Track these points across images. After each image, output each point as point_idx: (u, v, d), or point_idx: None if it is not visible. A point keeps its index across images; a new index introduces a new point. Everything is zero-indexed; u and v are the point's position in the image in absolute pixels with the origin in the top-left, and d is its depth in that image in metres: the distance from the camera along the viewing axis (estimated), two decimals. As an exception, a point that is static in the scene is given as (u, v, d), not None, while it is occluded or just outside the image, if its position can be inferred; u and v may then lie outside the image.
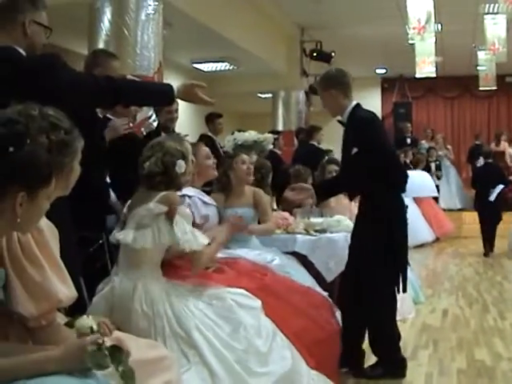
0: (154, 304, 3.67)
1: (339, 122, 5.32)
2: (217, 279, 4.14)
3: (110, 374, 2.34)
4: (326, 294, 5.25)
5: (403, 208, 5.31)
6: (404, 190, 5.27)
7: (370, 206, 5.12)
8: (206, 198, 5.13)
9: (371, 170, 4.96)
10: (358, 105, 5.22)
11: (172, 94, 3.87)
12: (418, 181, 14.10)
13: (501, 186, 14.21)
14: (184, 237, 3.76)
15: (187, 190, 4.74)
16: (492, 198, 14.18)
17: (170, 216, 3.78)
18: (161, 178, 3.94)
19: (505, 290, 9.49)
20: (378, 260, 4.99)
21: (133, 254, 3.83)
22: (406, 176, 5.31)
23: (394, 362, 5.18)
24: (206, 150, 5.25)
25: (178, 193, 4.07)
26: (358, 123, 5.12)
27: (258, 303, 4.04)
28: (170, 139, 4.18)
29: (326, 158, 9.76)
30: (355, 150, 5.02)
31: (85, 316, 2.50)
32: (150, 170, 3.96)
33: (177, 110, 6.96)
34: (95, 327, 2.45)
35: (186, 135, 5.07)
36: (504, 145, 18.95)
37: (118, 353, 2.34)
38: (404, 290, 5.22)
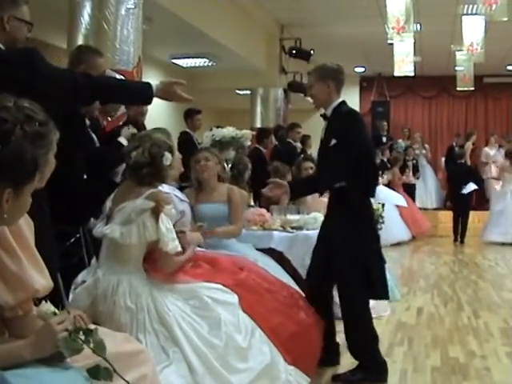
0: (137, 299, 3.67)
1: (322, 115, 5.30)
2: (193, 274, 4.14)
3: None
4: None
5: (370, 207, 5.33)
6: (373, 193, 5.28)
7: (340, 201, 5.09)
8: (180, 194, 5.16)
9: (345, 163, 4.95)
10: (344, 102, 5.22)
11: (151, 92, 3.84)
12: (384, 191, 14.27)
13: (473, 185, 15.51)
14: (168, 235, 3.76)
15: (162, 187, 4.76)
16: (465, 191, 15.53)
17: (155, 212, 3.78)
18: (148, 169, 3.94)
19: (479, 288, 9.56)
20: (350, 258, 4.99)
21: (118, 248, 3.84)
22: (377, 178, 5.35)
23: (374, 366, 5.16)
24: None
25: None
26: (342, 115, 5.14)
27: (235, 298, 4.05)
28: (158, 132, 4.18)
29: (302, 155, 9.80)
30: (334, 141, 5.03)
31: (44, 302, 2.50)
32: (137, 161, 3.95)
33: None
34: (57, 312, 2.46)
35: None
36: (468, 144, 19.02)
37: (87, 333, 2.35)
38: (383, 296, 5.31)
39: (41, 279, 2.36)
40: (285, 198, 5.72)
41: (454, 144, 19.40)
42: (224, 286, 4.11)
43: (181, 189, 7.21)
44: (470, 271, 11.29)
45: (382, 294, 5.18)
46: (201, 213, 5.73)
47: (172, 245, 3.78)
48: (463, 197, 15.68)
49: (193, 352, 3.58)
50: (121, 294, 3.68)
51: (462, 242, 15.53)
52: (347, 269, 4.99)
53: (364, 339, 5.16)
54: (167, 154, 3.96)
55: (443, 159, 19.35)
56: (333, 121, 5.17)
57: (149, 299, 3.69)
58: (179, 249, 3.87)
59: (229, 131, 7.06)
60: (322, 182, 5.26)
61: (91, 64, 5.01)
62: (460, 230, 15.88)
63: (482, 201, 18.20)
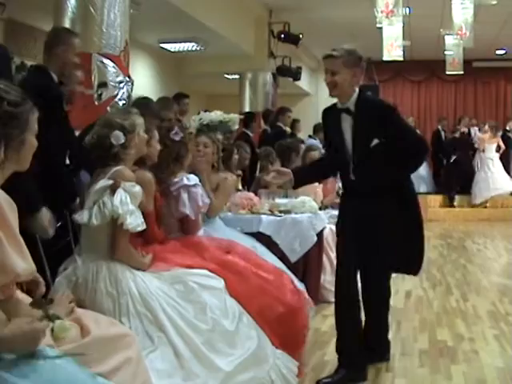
0: (118, 283, 3.64)
1: (343, 109, 4.84)
2: (175, 261, 4.11)
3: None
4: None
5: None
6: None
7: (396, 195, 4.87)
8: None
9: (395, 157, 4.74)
10: (362, 91, 4.84)
11: None
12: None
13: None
14: (123, 208, 3.68)
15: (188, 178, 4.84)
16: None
17: (114, 189, 3.72)
18: (96, 151, 3.91)
19: (468, 272, 9.59)
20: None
21: (90, 233, 3.82)
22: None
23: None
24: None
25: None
26: (381, 110, 4.77)
27: (221, 283, 4.03)
28: (114, 113, 4.14)
29: (306, 145, 9.78)
30: (376, 141, 4.68)
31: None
32: (88, 144, 3.94)
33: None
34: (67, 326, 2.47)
35: None
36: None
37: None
38: None
39: (22, 263, 2.32)
40: (288, 185, 5.53)
41: (440, 128, 19.44)
42: (209, 270, 4.09)
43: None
44: (459, 255, 11.31)
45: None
46: None
47: (130, 220, 3.70)
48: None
49: (178, 336, 3.56)
50: (101, 281, 3.64)
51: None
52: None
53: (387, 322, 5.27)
54: (116, 134, 3.87)
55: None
56: (364, 117, 4.73)
57: (131, 283, 3.65)
58: (142, 227, 3.81)
59: (216, 115, 7.01)
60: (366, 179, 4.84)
61: (68, 44, 5.03)
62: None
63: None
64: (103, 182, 3.76)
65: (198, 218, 4.96)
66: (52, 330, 2.44)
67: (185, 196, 4.81)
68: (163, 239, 4.46)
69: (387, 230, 4.81)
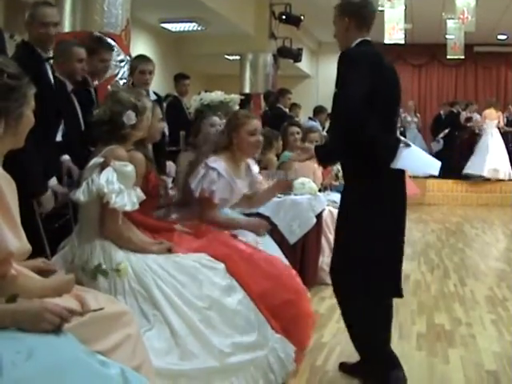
0: (112, 261, 3.63)
1: None
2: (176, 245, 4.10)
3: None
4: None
5: None
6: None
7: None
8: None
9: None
10: (364, 41, 4.35)
11: None
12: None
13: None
14: (109, 187, 3.65)
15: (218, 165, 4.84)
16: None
17: (103, 166, 3.71)
18: (106, 126, 3.88)
19: (466, 256, 9.60)
20: None
21: (83, 211, 3.83)
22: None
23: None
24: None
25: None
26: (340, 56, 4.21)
27: (221, 264, 4.02)
28: (126, 90, 4.12)
29: (306, 126, 9.72)
30: (335, 90, 4.16)
31: None
32: (98, 118, 3.91)
33: (151, 72, 6.91)
34: None
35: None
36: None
37: None
38: None
39: (16, 242, 2.30)
40: (313, 162, 5.30)
41: (442, 113, 19.41)
42: (211, 252, 4.09)
43: (170, 153, 7.19)
44: (457, 239, 11.32)
45: None
46: None
47: (116, 200, 3.66)
48: None
49: (175, 314, 3.54)
50: (95, 258, 3.63)
51: None
52: None
53: None
54: (129, 113, 3.86)
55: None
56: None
57: (125, 261, 3.65)
58: (133, 207, 3.78)
59: (217, 95, 6.99)
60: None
61: (38, 15, 5.06)
62: None
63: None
64: (95, 160, 3.76)
65: (207, 204, 4.90)
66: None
67: (201, 172, 4.84)
68: (149, 222, 4.41)
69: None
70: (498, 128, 18.14)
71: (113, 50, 6.49)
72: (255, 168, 5.36)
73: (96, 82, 6.18)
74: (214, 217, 4.91)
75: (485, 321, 6.09)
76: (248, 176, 5.24)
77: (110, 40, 7.00)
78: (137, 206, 3.80)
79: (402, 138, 4.35)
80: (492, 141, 17.92)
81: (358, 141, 3.96)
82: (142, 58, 7.19)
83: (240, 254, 4.29)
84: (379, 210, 4.18)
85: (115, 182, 3.67)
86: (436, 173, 4.46)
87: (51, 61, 5.19)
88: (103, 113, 3.91)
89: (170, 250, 3.92)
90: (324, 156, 4.31)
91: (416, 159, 4.19)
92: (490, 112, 18.17)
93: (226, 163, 4.94)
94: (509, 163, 17.95)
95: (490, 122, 18.05)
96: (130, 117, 3.87)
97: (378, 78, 4.05)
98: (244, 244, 4.54)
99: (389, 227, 4.31)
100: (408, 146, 4.11)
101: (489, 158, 17.69)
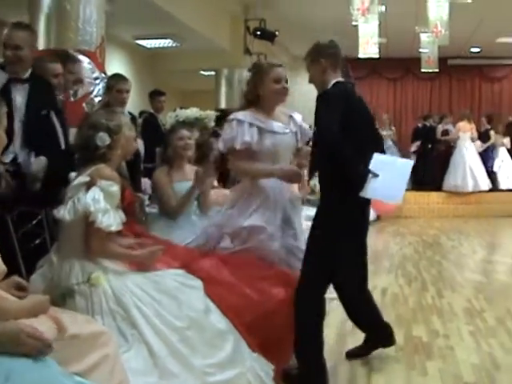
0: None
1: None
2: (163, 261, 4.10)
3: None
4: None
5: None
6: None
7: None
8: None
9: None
10: (338, 82, 4.74)
11: None
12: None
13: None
14: (95, 206, 3.66)
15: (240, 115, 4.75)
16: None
17: (89, 185, 3.72)
18: (81, 152, 3.94)
19: (443, 268, 9.64)
20: None
21: (65, 229, 3.80)
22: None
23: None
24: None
25: None
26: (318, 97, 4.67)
27: (198, 283, 4.01)
28: (99, 113, 4.15)
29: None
30: (314, 128, 4.58)
31: None
32: (76, 144, 3.99)
33: (128, 91, 6.92)
34: None
35: None
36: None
37: None
38: None
39: None
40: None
41: (420, 126, 19.50)
42: (187, 270, 4.08)
43: (146, 170, 7.19)
44: (434, 252, 11.37)
45: None
46: (176, 191, 5.69)
47: (103, 219, 3.67)
48: None
49: (153, 334, 3.52)
50: (74, 278, 3.62)
51: None
52: None
53: None
54: (102, 135, 3.89)
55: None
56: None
57: (97, 270, 3.64)
58: (117, 228, 3.78)
59: (192, 112, 7.00)
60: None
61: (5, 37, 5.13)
62: None
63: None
64: (81, 179, 3.77)
65: (234, 156, 4.80)
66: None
67: (224, 128, 4.84)
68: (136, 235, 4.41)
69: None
70: (472, 140, 18.29)
71: (79, 61, 6.48)
72: (298, 117, 5.15)
73: (72, 99, 6.19)
74: (244, 167, 4.77)
75: (463, 332, 6.12)
76: (292, 125, 5.03)
77: (83, 57, 7.01)
78: (121, 227, 3.81)
79: (371, 168, 4.48)
80: (467, 153, 18.04)
81: (336, 164, 4.39)
82: (119, 76, 7.21)
83: (210, 270, 4.29)
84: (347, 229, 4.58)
85: (102, 201, 3.68)
86: (398, 202, 4.87)
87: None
88: (79, 138, 3.98)
89: (154, 254, 3.94)
90: None
91: (382, 189, 4.47)
92: (464, 124, 18.29)
93: (251, 112, 4.77)
94: (486, 174, 18.09)
95: (464, 135, 18.16)
96: (102, 138, 3.89)
97: (350, 110, 4.48)
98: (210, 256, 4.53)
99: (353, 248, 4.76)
100: (376, 176, 4.42)
101: (467, 171, 17.81)
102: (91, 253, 3.72)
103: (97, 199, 3.66)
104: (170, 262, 4.16)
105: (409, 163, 4.79)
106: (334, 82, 4.69)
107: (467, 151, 18.04)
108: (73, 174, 3.99)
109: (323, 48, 4.84)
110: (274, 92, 4.85)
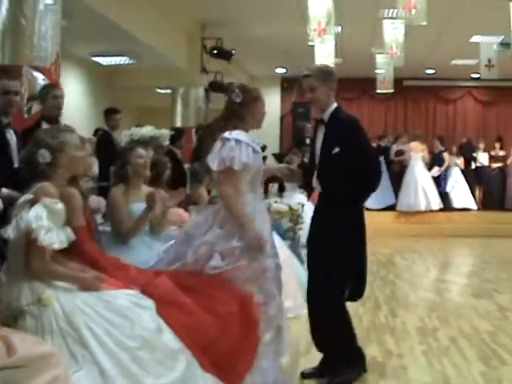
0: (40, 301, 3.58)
1: (319, 120, 5.33)
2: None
3: None
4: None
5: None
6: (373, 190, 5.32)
7: (339, 204, 5.15)
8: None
9: (350, 169, 5.02)
10: (339, 106, 5.28)
11: None
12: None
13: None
14: (37, 223, 3.62)
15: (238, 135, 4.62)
16: None
17: (32, 203, 3.70)
18: (26, 167, 3.99)
19: (397, 288, 9.69)
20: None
21: (13, 249, 3.77)
22: (379, 180, 5.33)
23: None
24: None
25: None
26: (345, 123, 5.14)
27: (151, 303, 3.98)
28: (46, 130, 4.17)
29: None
30: (337, 149, 5.00)
31: None
32: (20, 159, 4.01)
33: (62, 97, 6.85)
34: None
35: None
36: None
37: None
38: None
39: None
40: (298, 181, 5.92)
41: (374, 145, 19.65)
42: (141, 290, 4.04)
43: (100, 188, 7.13)
44: (388, 271, 11.42)
45: None
46: (131, 212, 5.65)
47: (45, 237, 3.64)
48: None
49: (104, 354, 3.49)
50: (23, 299, 3.58)
51: None
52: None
53: None
54: (42, 152, 3.93)
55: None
56: (333, 127, 5.15)
57: (47, 289, 3.60)
58: (60, 246, 3.74)
59: (147, 130, 6.99)
60: (325, 188, 5.22)
61: None
62: None
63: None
64: (25, 197, 3.75)
65: (224, 176, 4.63)
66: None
67: (217, 145, 4.60)
68: (97, 256, 4.37)
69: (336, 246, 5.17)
70: (423, 160, 18.54)
71: (16, 79, 6.42)
72: None
73: (26, 116, 6.15)
74: (233, 187, 4.63)
75: (416, 351, 6.16)
76: None
77: (38, 74, 6.96)
78: (65, 245, 3.77)
79: None
80: (419, 173, 18.29)
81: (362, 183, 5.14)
82: (51, 85, 7.14)
83: (160, 289, 4.25)
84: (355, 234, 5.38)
85: (44, 218, 3.64)
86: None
87: None
88: (23, 155, 4.04)
89: (99, 280, 3.89)
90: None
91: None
92: (416, 145, 18.55)
93: (243, 132, 4.72)
94: (437, 194, 18.32)
95: (416, 155, 18.43)
96: (43, 155, 3.93)
97: None
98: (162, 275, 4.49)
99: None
100: None
101: (419, 190, 18.04)
102: (33, 271, 3.67)
103: (39, 216, 3.63)
104: (123, 283, 4.12)
105: None
106: (335, 105, 5.23)
107: (419, 171, 18.31)
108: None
109: (330, 72, 5.32)
110: (263, 115, 4.93)
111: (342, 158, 5.00)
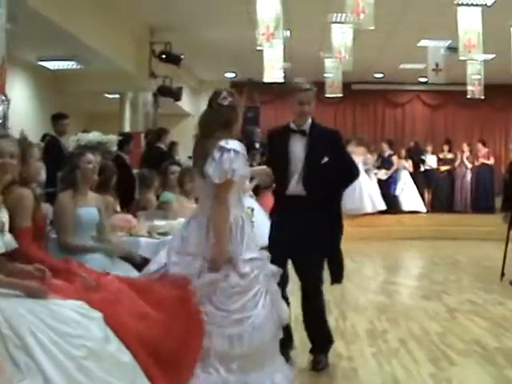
0: None
1: (296, 130, 5.89)
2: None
3: None
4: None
5: None
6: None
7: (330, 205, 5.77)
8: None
9: (336, 175, 5.66)
10: (314, 117, 5.98)
11: None
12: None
13: None
14: None
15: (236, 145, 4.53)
16: None
17: None
18: None
19: (347, 290, 9.70)
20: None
21: None
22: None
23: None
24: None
25: None
26: (330, 135, 5.88)
27: (98, 313, 3.92)
28: None
29: (186, 166, 9.72)
30: (326, 159, 5.57)
31: None
32: None
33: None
34: None
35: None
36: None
37: None
38: None
39: None
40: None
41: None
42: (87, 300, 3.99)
43: (47, 195, 7.04)
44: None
45: None
46: (79, 217, 5.60)
47: None
48: None
49: (48, 361, 3.41)
50: None
51: None
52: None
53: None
54: None
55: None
56: (317, 138, 5.74)
57: None
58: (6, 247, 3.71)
59: (94, 136, 6.94)
60: (316, 196, 5.61)
61: None
62: None
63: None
64: None
65: (225, 188, 4.50)
66: None
67: (216, 155, 4.44)
68: (43, 259, 4.32)
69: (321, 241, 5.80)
70: (365, 163, 18.66)
71: None
72: None
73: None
74: (228, 199, 4.54)
75: (366, 354, 6.20)
76: None
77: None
78: (2, 250, 3.72)
79: None
80: (362, 176, 18.39)
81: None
82: None
83: (118, 298, 4.20)
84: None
85: None
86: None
87: None
88: None
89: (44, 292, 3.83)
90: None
91: None
92: (357, 148, 18.64)
93: (237, 141, 4.62)
94: (380, 197, 18.48)
95: (358, 158, 18.48)
96: None
97: None
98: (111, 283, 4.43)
99: None
100: None
101: (363, 193, 18.16)
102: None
103: None
104: (69, 292, 4.06)
105: None
106: (310, 117, 5.98)
107: (361, 174, 18.38)
108: None
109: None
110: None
111: (331, 166, 5.56)
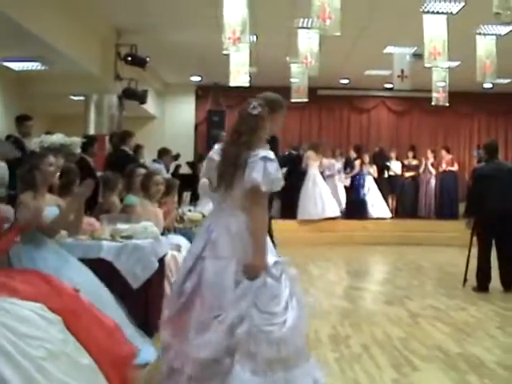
0: None
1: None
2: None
3: None
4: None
5: None
6: None
7: None
8: None
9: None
10: None
11: None
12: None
13: None
14: None
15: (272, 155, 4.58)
16: None
17: None
18: None
19: (311, 296, 9.67)
20: None
21: None
22: None
23: None
24: None
25: None
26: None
27: (57, 317, 3.88)
28: None
29: (150, 169, 9.68)
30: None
31: None
32: None
33: None
34: None
35: None
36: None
37: None
38: None
39: None
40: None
41: (286, 153, 19.80)
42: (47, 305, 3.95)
43: (10, 196, 6.97)
44: (302, 279, 11.30)
45: None
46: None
47: None
48: None
49: (6, 362, 3.37)
50: None
51: None
52: None
53: None
54: None
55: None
56: None
57: None
58: None
59: (58, 138, 6.88)
60: None
61: None
62: None
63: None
64: None
65: (265, 195, 4.55)
66: None
67: (259, 165, 4.46)
68: None
69: None
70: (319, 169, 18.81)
71: None
72: None
73: None
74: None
75: (328, 359, 6.20)
76: None
77: None
78: None
79: None
80: (317, 182, 18.51)
81: None
82: None
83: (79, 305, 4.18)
84: None
85: None
86: None
87: None
88: None
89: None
90: None
91: None
92: (311, 154, 18.77)
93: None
94: (335, 202, 18.61)
95: (314, 163, 18.66)
96: None
97: None
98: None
99: None
100: None
101: (318, 198, 18.24)
102: None
103: None
104: (28, 294, 4.02)
105: None
106: None
107: (317, 180, 18.50)
108: None
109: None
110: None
111: None
